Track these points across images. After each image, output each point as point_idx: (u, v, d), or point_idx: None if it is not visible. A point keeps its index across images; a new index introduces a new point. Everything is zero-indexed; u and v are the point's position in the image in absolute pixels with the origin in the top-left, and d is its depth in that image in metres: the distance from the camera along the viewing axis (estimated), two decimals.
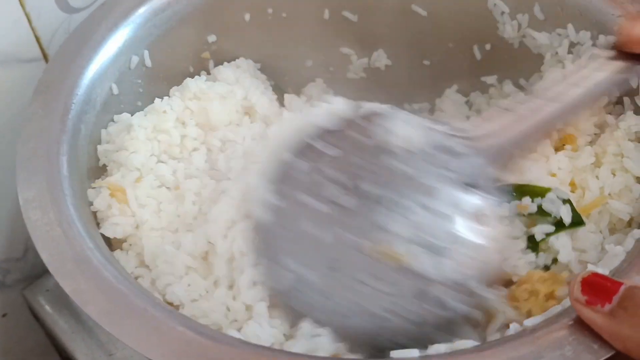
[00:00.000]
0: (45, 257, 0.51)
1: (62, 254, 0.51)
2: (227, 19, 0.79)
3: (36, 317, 0.80)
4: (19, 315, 0.87)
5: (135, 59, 0.70)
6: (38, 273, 0.84)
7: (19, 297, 0.83)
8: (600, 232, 0.58)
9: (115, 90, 0.68)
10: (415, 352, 0.46)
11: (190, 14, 0.75)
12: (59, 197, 0.55)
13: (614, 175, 0.59)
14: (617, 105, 0.67)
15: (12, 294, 0.85)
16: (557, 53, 0.73)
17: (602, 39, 0.67)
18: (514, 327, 0.47)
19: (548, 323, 0.45)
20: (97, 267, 0.51)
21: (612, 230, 0.59)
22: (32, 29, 0.73)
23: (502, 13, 0.77)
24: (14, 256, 0.83)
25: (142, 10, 0.70)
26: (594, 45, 0.68)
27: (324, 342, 0.50)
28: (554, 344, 0.43)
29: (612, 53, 0.63)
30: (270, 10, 0.80)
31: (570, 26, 0.70)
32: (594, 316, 0.43)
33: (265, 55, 0.83)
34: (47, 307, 0.78)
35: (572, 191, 0.61)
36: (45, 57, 0.75)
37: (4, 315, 0.87)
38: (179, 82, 0.77)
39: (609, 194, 0.59)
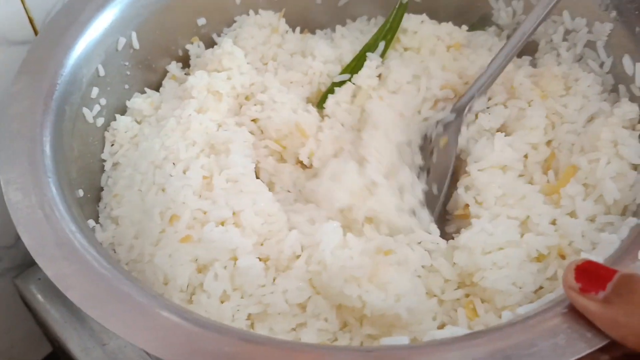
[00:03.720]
0: (26, 240, 0.49)
1: (44, 237, 0.50)
2: (217, 1, 0.77)
3: (28, 306, 0.78)
4: (10, 304, 0.85)
5: (122, 41, 0.69)
6: (30, 261, 0.80)
7: (10, 286, 0.81)
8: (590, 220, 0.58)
9: (102, 72, 0.67)
10: (405, 340, 0.45)
11: None
12: (42, 179, 0.53)
13: (609, 162, 0.58)
14: (612, 93, 0.66)
15: (3, 282, 0.83)
16: (551, 40, 0.72)
17: (597, 25, 0.66)
18: (506, 315, 0.46)
19: (541, 311, 0.44)
20: (80, 251, 0.49)
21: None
22: (26, 9, 0.70)
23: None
24: (5, 244, 0.82)
25: None
26: (589, 32, 0.68)
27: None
28: (548, 332, 0.42)
29: None
30: None
31: (565, 13, 0.70)
32: (588, 303, 0.43)
33: None
34: (39, 296, 0.76)
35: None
36: None
37: None
38: (166, 66, 0.76)
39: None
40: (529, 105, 0.66)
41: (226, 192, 0.59)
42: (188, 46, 0.77)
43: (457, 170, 0.68)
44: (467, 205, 0.61)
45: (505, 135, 0.63)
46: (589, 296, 0.43)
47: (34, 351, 0.95)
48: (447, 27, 0.76)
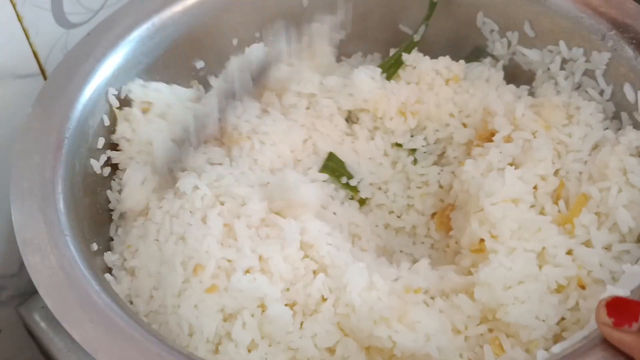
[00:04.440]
0: (50, 303, 0.49)
1: (67, 300, 0.49)
2: (214, 44, 0.77)
3: (31, 334, 0.78)
4: (14, 332, 0.84)
5: (125, 89, 0.68)
6: (33, 290, 0.80)
7: (14, 314, 0.80)
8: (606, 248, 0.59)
9: (107, 122, 0.66)
10: None
11: (178, 41, 0.73)
12: (59, 238, 0.53)
13: (620, 191, 0.59)
14: (614, 120, 0.67)
15: (7, 310, 0.82)
16: (549, 69, 0.73)
17: (595, 55, 0.68)
18: (541, 355, 0.46)
19: (577, 351, 0.45)
20: (105, 312, 0.49)
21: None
22: (30, 44, 0.70)
23: (492, 31, 0.77)
24: (9, 272, 0.81)
25: (131, 38, 0.68)
26: (587, 61, 0.69)
27: None
28: None
29: None
30: (257, 35, 0.78)
31: (562, 42, 0.71)
32: (624, 337, 0.43)
33: None
34: (43, 324, 0.75)
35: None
36: (43, 72, 0.73)
37: None
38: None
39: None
40: (534, 137, 0.66)
41: (250, 239, 0.58)
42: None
43: (466, 204, 0.68)
44: (482, 240, 0.62)
45: (514, 169, 0.64)
46: (623, 329, 0.44)
47: None
48: (445, 60, 0.77)
